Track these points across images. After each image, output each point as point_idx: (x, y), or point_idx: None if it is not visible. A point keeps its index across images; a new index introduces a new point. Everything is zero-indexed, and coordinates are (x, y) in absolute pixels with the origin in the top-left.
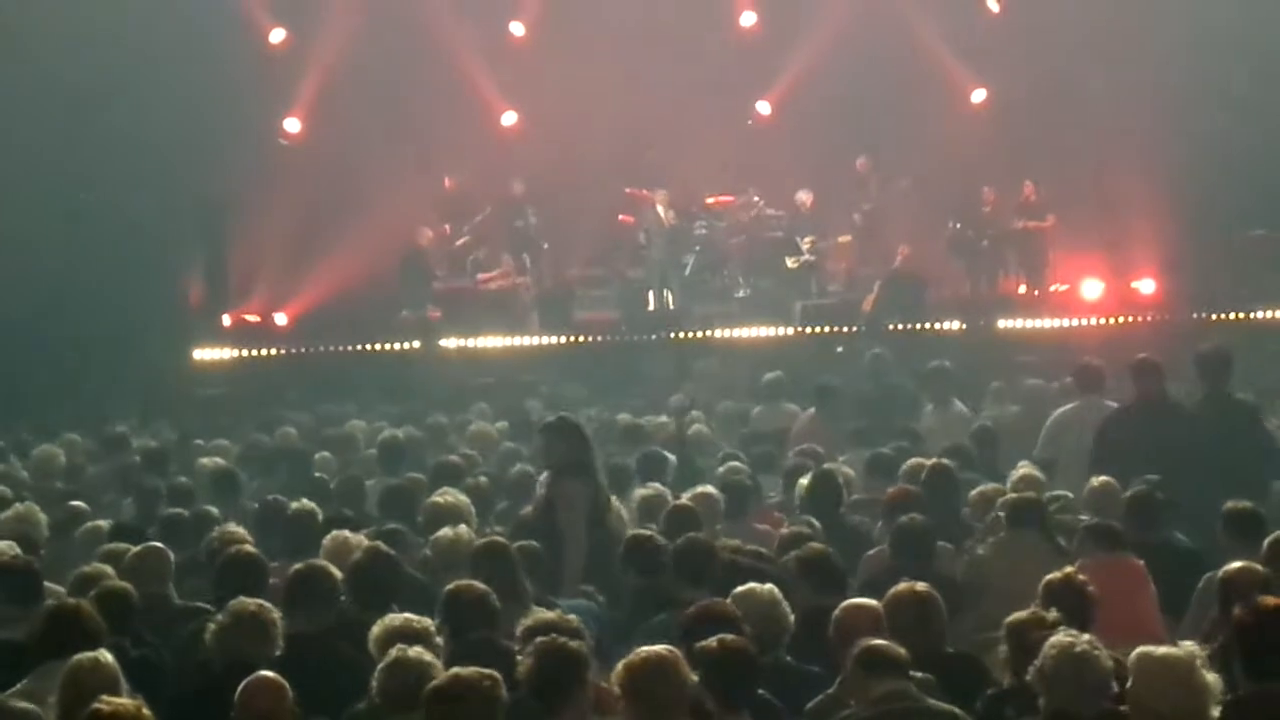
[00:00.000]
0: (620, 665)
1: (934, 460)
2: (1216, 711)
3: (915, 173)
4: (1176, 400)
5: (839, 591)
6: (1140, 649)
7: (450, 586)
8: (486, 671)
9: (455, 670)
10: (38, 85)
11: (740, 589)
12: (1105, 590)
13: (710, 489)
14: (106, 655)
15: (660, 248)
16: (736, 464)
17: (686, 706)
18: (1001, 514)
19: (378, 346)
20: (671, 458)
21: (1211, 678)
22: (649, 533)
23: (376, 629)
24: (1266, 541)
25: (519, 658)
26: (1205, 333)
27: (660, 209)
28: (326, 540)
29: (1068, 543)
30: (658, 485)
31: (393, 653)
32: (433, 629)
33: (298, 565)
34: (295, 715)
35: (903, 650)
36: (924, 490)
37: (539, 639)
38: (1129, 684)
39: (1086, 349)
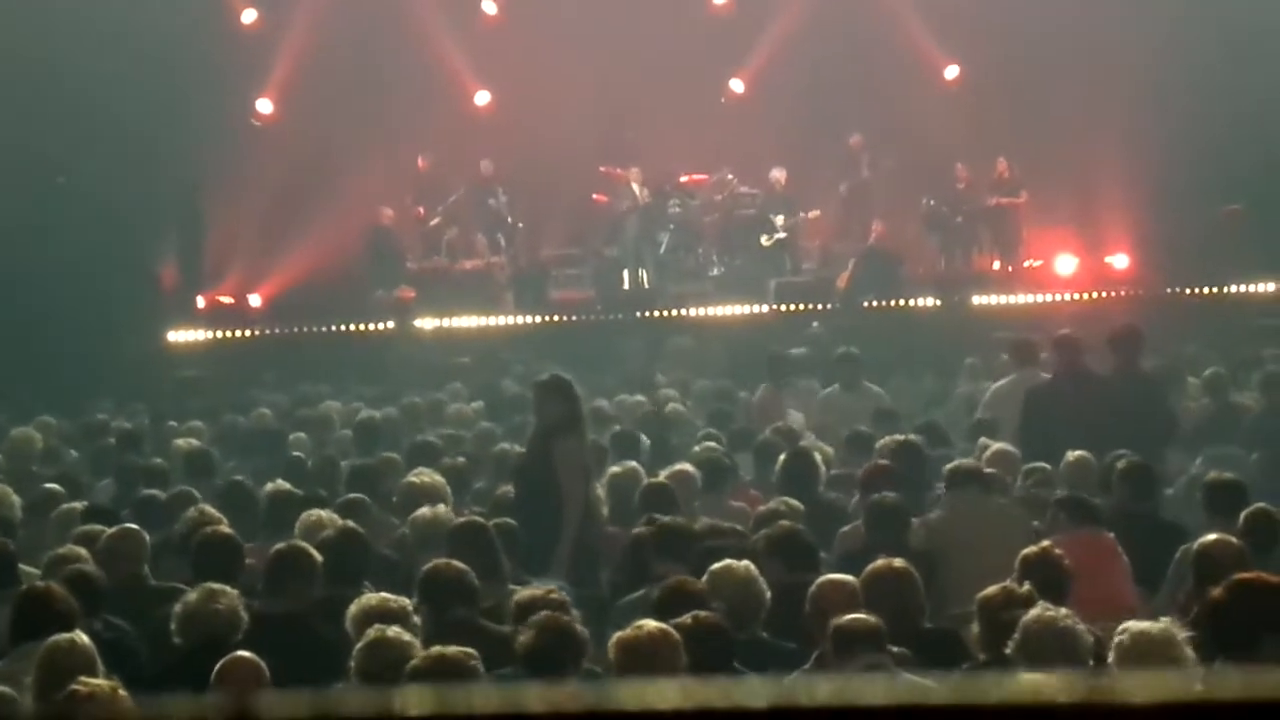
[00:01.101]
0: (615, 640)
1: (905, 437)
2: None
3: (890, 150)
4: (1093, 373)
5: (812, 568)
6: (1123, 626)
7: (428, 565)
8: (468, 650)
9: (437, 649)
10: (6, 66)
11: (716, 565)
12: (1078, 565)
13: (688, 466)
14: (82, 637)
15: (635, 225)
16: (712, 442)
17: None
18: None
19: (352, 327)
20: (644, 437)
21: (1190, 654)
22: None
23: (353, 608)
24: (1243, 514)
25: (512, 633)
26: (1178, 307)
27: (635, 186)
28: (300, 520)
29: (1041, 521)
30: (631, 463)
31: (371, 632)
32: (410, 608)
33: (279, 545)
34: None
35: (879, 624)
36: (895, 465)
37: (542, 614)
38: (1111, 661)
39: (1060, 324)
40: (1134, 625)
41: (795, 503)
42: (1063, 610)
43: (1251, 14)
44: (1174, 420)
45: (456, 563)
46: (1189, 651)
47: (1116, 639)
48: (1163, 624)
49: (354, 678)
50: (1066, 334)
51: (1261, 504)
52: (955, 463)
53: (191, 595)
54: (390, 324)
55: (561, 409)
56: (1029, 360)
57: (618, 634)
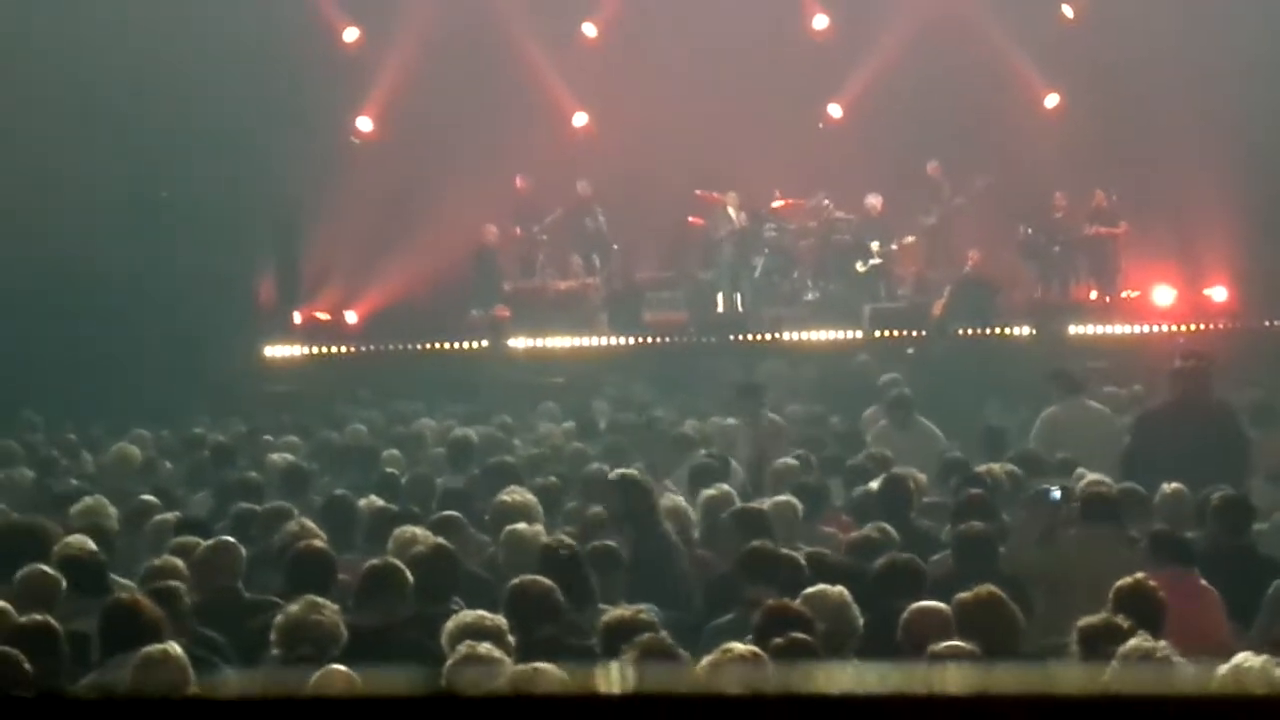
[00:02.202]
0: (707, 664)
1: (1001, 465)
2: None
3: (980, 172)
4: (1212, 402)
5: (916, 594)
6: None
7: (515, 582)
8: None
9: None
10: (115, 83)
11: (811, 590)
12: (1171, 603)
13: (789, 496)
14: (175, 648)
15: (730, 249)
16: (807, 466)
17: None
18: (1064, 501)
19: (447, 345)
20: (733, 462)
21: None
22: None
23: (450, 624)
24: None
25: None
26: (1277, 340)
27: (731, 210)
28: (393, 536)
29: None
30: (724, 486)
31: (462, 648)
32: (504, 626)
33: (372, 561)
34: None
35: (975, 652)
36: (988, 494)
37: (641, 637)
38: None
39: (1158, 355)
40: (1235, 660)
41: (890, 529)
42: (1161, 643)
43: None
44: (1246, 452)
45: (544, 580)
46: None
47: (1219, 674)
48: (1262, 659)
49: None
50: (1190, 362)
51: None
52: (1092, 491)
53: (293, 607)
54: (484, 343)
55: (627, 509)
56: (1074, 389)
57: (708, 658)
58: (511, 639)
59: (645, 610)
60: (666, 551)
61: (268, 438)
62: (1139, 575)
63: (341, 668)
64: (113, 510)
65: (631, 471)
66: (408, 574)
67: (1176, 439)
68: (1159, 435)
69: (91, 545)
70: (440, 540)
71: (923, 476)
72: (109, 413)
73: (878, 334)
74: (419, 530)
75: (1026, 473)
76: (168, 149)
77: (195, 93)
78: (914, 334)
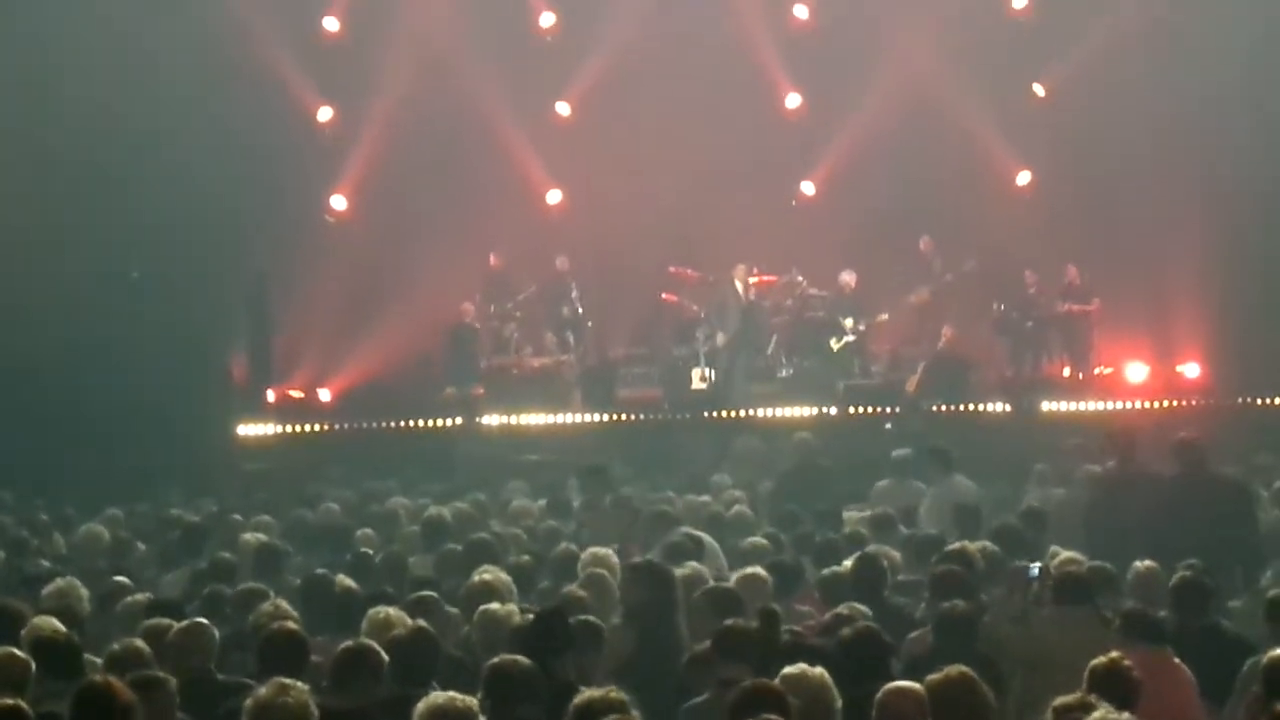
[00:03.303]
0: None
1: (979, 544)
2: None
3: (969, 253)
4: (1213, 476)
5: (884, 675)
6: None
7: (494, 661)
8: None
9: None
10: (88, 161)
11: (791, 670)
12: (1145, 682)
13: (759, 570)
14: None
15: (735, 323)
16: (781, 544)
17: None
18: (1042, 579)
19: (420, 423)
20: (708, 539)
21: None
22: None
23: (421, 706)
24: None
25: None
26: (1249, 417)
27: (739, 284)
28: (368, 617)
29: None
30: (695, 565)
31: None
32: (475, 707)
33: (346, 643)
34: None
35: None
36: (964, 571)
37: (610, 717)
38: None
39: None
40: None
41: (863, 608)
42: (1125, 715)
43: None
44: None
45: (523, 660)
46: None
47: None
48: None
49: None
50: (1188, 437)
51: None
52: (1066, 571)
53: (263, 689)
54: (458, 420)
55: (648, 596)
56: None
57: None
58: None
59: (615, 690)
60: (676, 647)
61: (236, 517)
62: (1114, 654)
63: None
64: (84, 592)
65: (652, 559)
66: (382, 655)
67: (1183, 512)
68: (1162, 507)
69: (62, 627)
70: (421, 623)
71: (896, 554)
72: (81, 492)
73: (851, 411)
74: (393, 611)
75: (1003, 550)
76: (141, 227)
77: (169, 170)
78: (888, 410)
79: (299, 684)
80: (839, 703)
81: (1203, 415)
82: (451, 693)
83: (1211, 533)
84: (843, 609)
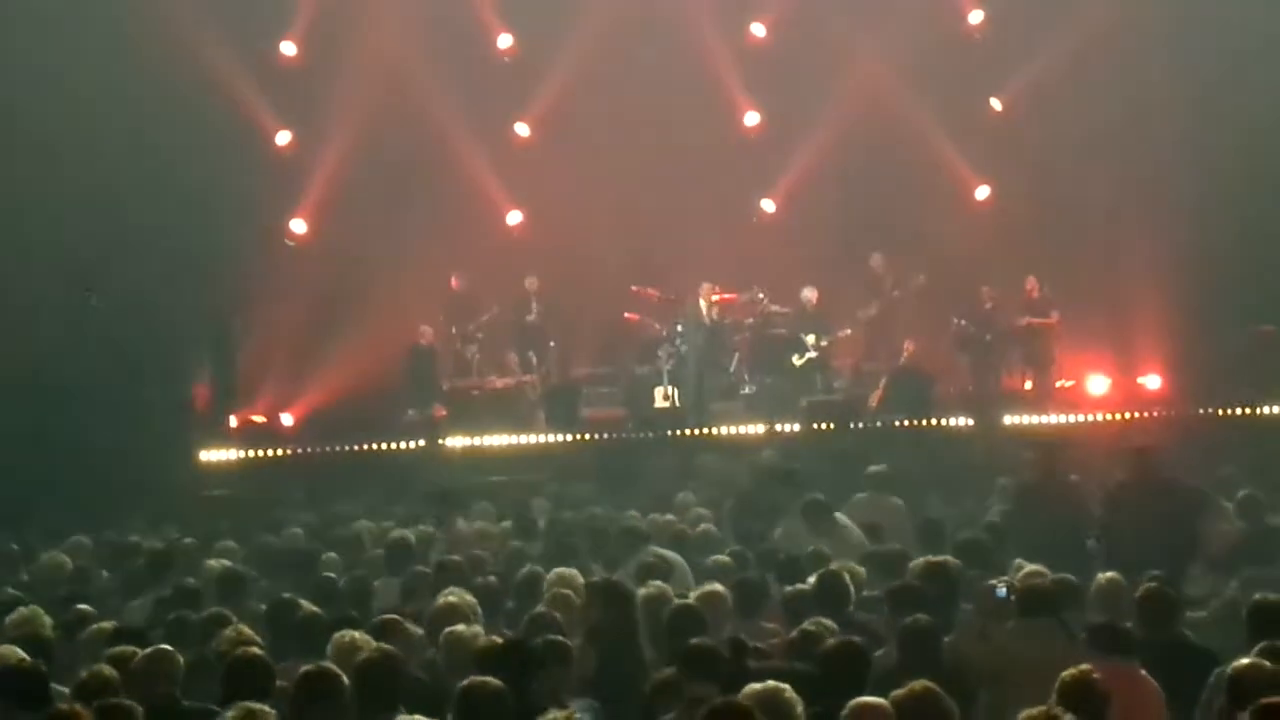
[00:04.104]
0: None
1: (941, 559)
2: None
3: (921, 269)
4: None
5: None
6: None
7: (465, 683)
8: None
9: None
10: (45, 186)
11: (755, 687)
12: (1113, 695)
13: (719, 587)
14: None
15: (700, 341)
16: (746, 561)
17: None
18: (1011, 598)
19: (383, 446)
20: (678, 558)
21: None
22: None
23: None
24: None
25: None
26: (1211, 428)
27: (703, 303)
28: (333, 641)
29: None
30: (659, 583)
31: None
32: None
33: (306, 667)
34: None
35: None
36: (926, 586)
37: None
38: None
39: (1093, 445)
40: None
41: (829, 623)
42: None
43: None
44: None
45: (493, 681)
46: None
47: None
48: None
49: None
50: (1142, 445)
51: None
52: (1030, 584)
53: (230, 713)
54: (421, 443)
55: (607, 615)
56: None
57: None
58: None
59: (579, 713)
60: (638, 665)
61: (188, 541)
62: (1083, 667)
63: None
64: (48, 620)
65: (615, 579)
66: (343, 679)
67: (1142, 517)
68: (1127, 512)
69: (27, 656)
70: (387, 646)
71: (861, 570)
72: (43, 521)
73: (815, 427)
74: (358, 635)
75: (966, 564)
76: (99, 252)
77: (128, 196)
78: (851, 426)
79: (267, 708)
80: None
81: (1164, 427)
82: (419, 717)
83: (1145, 538)
84: (810, 625)
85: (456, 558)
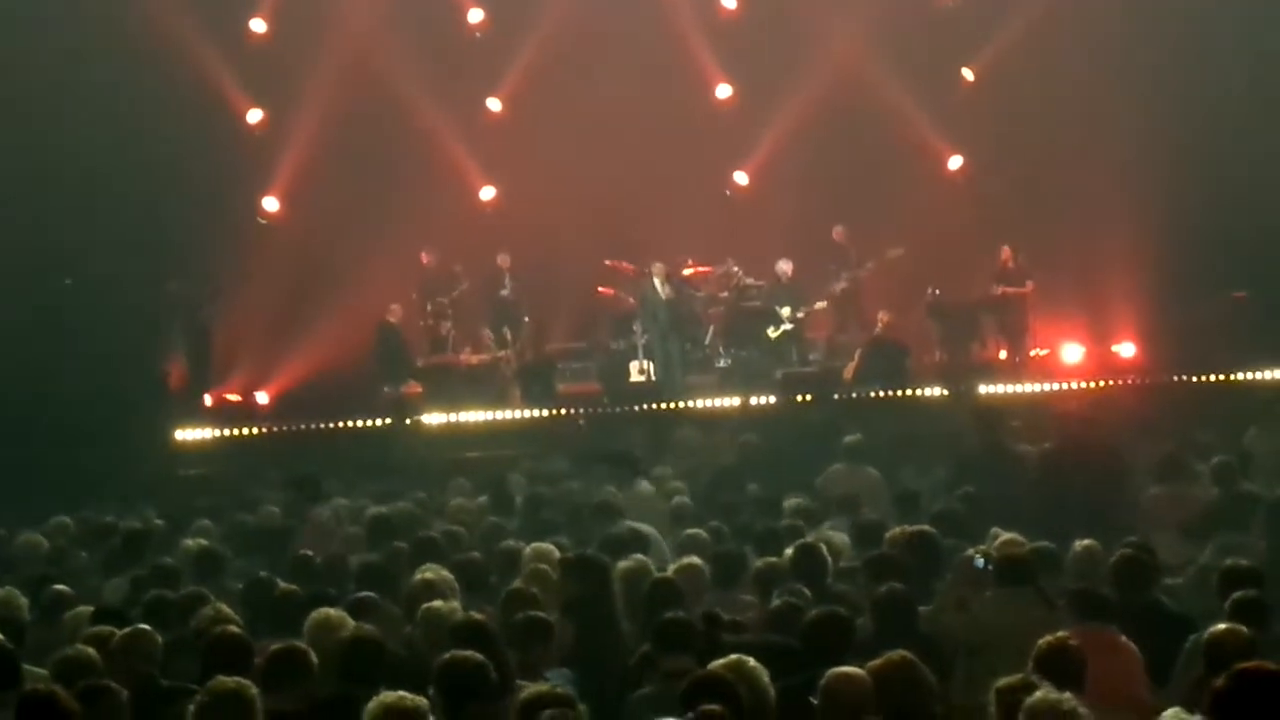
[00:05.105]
0: None
1: (918, 529)
2: None
3: (895, 240)
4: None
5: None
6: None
7: (446, 657)
8: None
9: None
10: (17, 168)
11: (727, 660)
12: (1091, 660)
13: (696, 560)
14: None
15: (662, 318)
16: (722, 535)
17: None
18: (990, 569)
19: (358, 423)
20: (653, 532)
21: None
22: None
23: (371, 706)
24: (1231, 600)
25: None
26: (1185, 395)
27: (657, 281)
28: (310, 619)
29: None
30: (639, 556)
31: None
32: (425, 706)
33: (274, 645)
34: None
35: None
36: (903, 555)
37: (547, 713)
38: None
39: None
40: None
41: (807, 592)
42: (1066, 694)
43: (1258, 108)
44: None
45: (474, 655)
46: None
47: None
48: (1176, 714)
49: None
50: (1073, 410)
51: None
52: (1007, 553)
53: (210, 690)
54: (396, 420)
55: (583, 589)
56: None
57: None
58: (432, 719)
59: (561, 685)
60: (615, 638)
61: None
62: (1060, 634)
63: None
64: (23, 600)
65: (590, 553)
66: (312, 656)
67: (1068, 483)
68: (1054, 478)
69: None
70: (365, 625)
71: (840, 538)
72: (19, 501)
73: (790, 399)
74: (334, 612)
75: (943, 534)
76: (73, 233)
77: (100, 175)
78: (826, 398)
79: (248, 683)
80: (771, 691)
81: (1139, 394)
82: (401, 692)
83: (1079, 504)
84: (787, 596)
85: (434, 534)
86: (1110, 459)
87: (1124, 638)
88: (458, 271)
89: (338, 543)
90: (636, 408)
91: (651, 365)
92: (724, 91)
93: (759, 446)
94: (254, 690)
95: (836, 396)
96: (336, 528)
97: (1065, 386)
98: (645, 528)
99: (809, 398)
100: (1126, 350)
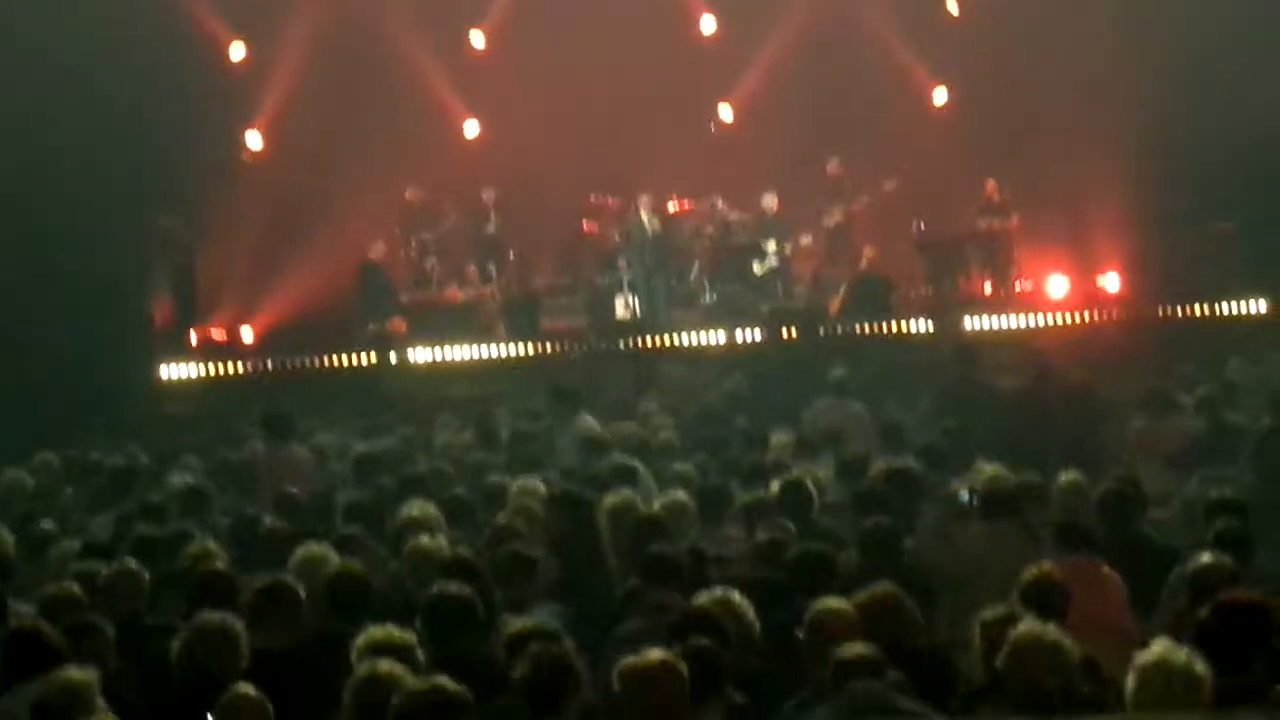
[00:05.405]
0: (620, 670)
1: (903, 462)
2: None
3: (881, 173)
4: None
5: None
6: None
7: (433, 591)
8: (453, 689)
9: (417, 687)
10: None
11: (713, 594)
12: (1076, 592)
13: (682, 495)
14: (79, 673)
15: (648, 253)
16: (708, 469)
17: (685, 710)
18: (975, 503)
19: (343, 360)
20: (641, 467)
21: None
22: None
23: (359, 641)
24: (1215, 531)
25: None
26: (1170, 327)
27: (645, 214)
28: (296, 555)
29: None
30: (626, 491)
31: (363, 668)
32: (413, 641)
33: (261, 581)
34: None
35: (879, 656)
36: (887, 489)
37: (533, 646)
38: (1131, 687)
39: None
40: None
41: (792, 526)
42: (1050, 625)
43: (1243, 37)
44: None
45: (462, 589)
46: (1200, 670)
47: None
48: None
49: (349, 713)
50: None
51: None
52: (992, 487)
53: (195, 626)
54: (381, 356)
55: (569, 526)
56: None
57: (622, 663)
58: (420, 654)
59: (548, 620)
60: (602, 574)
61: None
62: (1043, 566)
63: (251, 690)
64: (9, 538)
65: (572, 489)
66: (299, 591)
67: (1040, 419)
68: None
69: None
70: (351, 561)
71: (823, 473)
72: (3, 438)
73: (776, 334)
74: (319, 548)
75: (928, 468)
76: (56, 171)
77: (81, 112)
78: (812, 332)
79: (233, 619)
80: (758, 625)
81: (1124, 327)
82: (389, 626)
83: (1051, 439)
84: (773, 531)
85: (420, 470)
86: (1082, 396)
87: (1108, 568)
88: (447, 208)
89: (318, 480)
90: (621, 343)
91: (636, 301)
92: (708, 25)
93: (745, 382)
94: (239, 626)
95: (822, 331)
96: (317, 466)
97: (1050, 319)
98: (633, 462)
99: (794, 333)
100: (1111, 283)
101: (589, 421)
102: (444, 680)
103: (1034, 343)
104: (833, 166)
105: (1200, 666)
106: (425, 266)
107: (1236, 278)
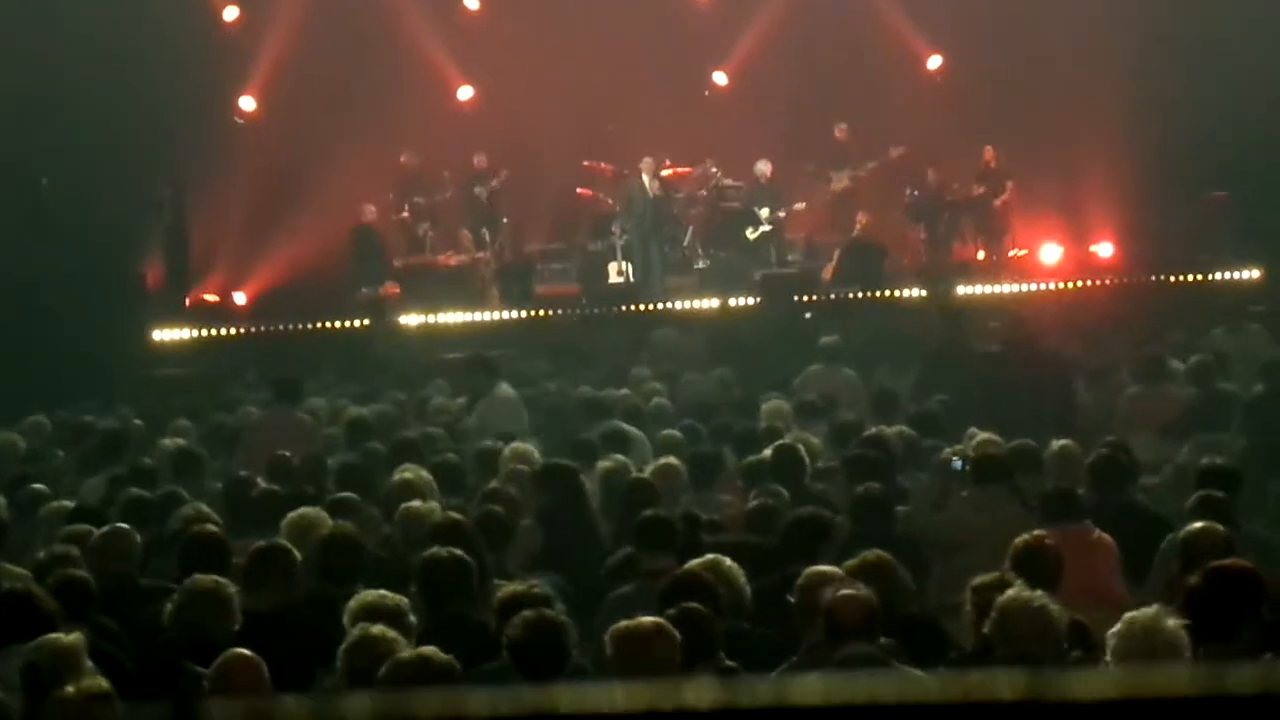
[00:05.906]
0: (612, 633)
1: (895, 428)
2: None
3: (879, 139)
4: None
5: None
6: (1126, 616)
7: (426, 554)
8: (442, 658)
9: (411, 653)
10: None
11: (705, 559)
12: (1068, 559)
13: (674, 460)
14: (68, 637)
15: (647, 217)
16: (699, 435)
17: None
18: (967, 470)
19: (336, 324)
20: (636, 432)
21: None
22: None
23: (352, 604)
24: (1206, 498)
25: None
26: (1163, 295)
27: (645, 177)
28: (288, 518)
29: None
30: (619, 457)
31: (356, 631)
32: (406, 604)
33: (257, 543)
34: (270, 693)
35: (873, 609)
36: (879, 455)
37: (524, 612)
38: (1112, 650)
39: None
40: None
41: (785, 493)
42: (1038, 591)
43: (1240, 6)
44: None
45: (456, 552)
46: (1183, 637)
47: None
48: (1153, 611)
49: (341, 676)
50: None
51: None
52: (982, 453)
53: (187, 589)
54: (373, 320)
55: (556, 498)
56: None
57: (614, 627)
58: (412, 618)
59: (539, 584)
60: (591, 540)
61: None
62: (1035, 532)
63: (247, 652)
64: (2, 499)
65: (559, 461)
66: (295, 554)
67: (1012, 384)
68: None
69: None
70: (343, 523)
71: (815, 440)
72: None
73: (769, 300)
74: (312, 511)
75: (920, 434)
76: (48, 134)
77: (75, 75)
78: (805, 299)
79: (226, 581)
80: (748, 590)
81: (1116, 294)
82: (382, 590)
83: (1029, 404)
84: (765, 497)
85: (412, 435)
86: (1050, 362)
87: (1100, 534)
88: (445, 177)
89: (318, 444)
90: (614, 309)
91: (630, 267)
92: None
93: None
94: (232, 589)
95: (815, 297)
96: (316, 429)
97: (1043, 286)
98: (628, 428)
99: (788, 298)
100: (1104, 250)
101: (507, 390)
102: (432, 650)
103: (1010, 307)
104: (840, 131)
105: (1173, 622)
106: (419, 231)
107: (1230, 246)
